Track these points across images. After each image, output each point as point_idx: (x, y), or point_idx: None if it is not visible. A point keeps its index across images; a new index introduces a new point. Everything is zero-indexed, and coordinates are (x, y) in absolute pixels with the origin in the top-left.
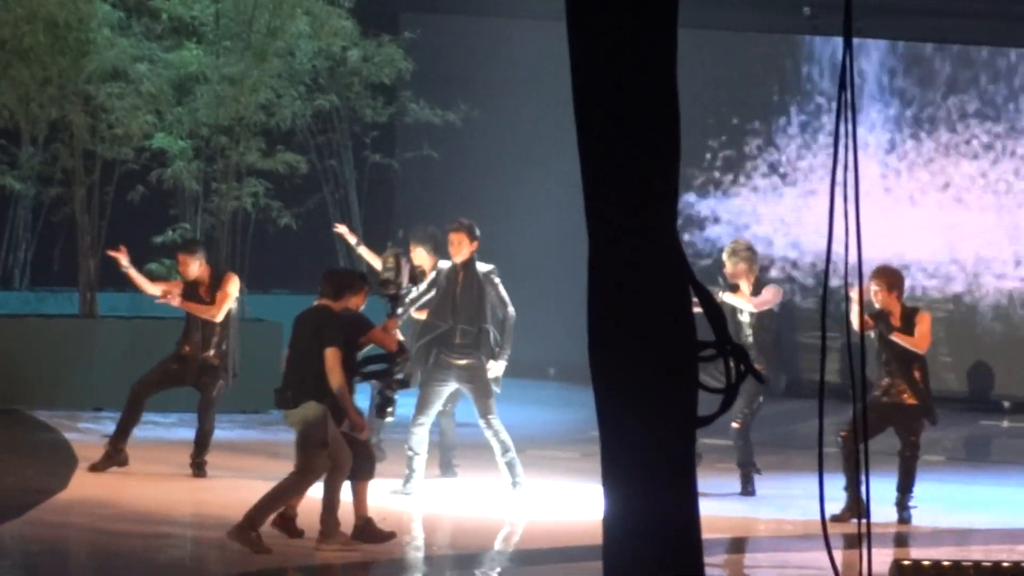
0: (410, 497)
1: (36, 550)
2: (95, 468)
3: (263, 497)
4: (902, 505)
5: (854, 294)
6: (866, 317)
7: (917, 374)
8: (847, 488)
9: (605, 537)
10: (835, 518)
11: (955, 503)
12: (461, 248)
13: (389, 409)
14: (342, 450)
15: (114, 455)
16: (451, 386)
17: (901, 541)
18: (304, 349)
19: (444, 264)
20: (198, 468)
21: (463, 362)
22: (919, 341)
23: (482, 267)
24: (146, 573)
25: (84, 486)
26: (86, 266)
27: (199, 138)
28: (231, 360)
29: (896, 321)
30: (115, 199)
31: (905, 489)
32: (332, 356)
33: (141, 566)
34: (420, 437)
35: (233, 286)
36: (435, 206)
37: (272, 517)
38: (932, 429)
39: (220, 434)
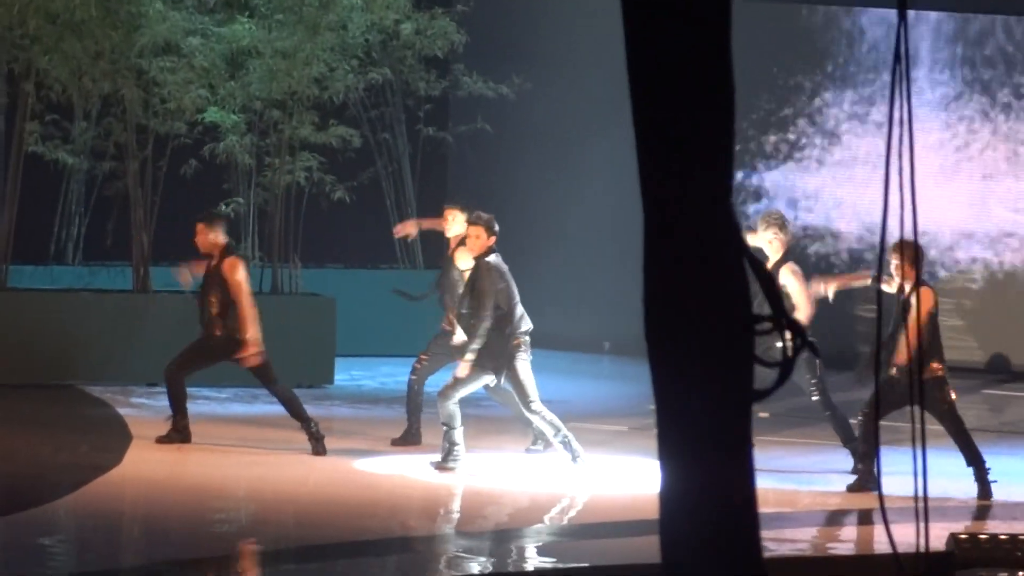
0: (453, 471)
1: (91, 525)
2: (160, 440)
3: None
4: (979, 479)
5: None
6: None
7: (926, 345)
8: (861, 461)
9: (662, 512)
10: (849, 488)
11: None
12: (478, 242)
13: None
14: None
15: (180, 431)
16: (488, 374)
17: (956, 515)
18: None
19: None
20: (316, 440)
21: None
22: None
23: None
24: (200, 549)
25: (138, 462)
26: (139, 240)
27: (252, 112)
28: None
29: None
30: (168, 173)
31: (972, 462)
32: None
33: (195, 542)
34: (454, 410)
35: (241, 273)
36: (489, 179)
37: None
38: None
39: (274, 408)
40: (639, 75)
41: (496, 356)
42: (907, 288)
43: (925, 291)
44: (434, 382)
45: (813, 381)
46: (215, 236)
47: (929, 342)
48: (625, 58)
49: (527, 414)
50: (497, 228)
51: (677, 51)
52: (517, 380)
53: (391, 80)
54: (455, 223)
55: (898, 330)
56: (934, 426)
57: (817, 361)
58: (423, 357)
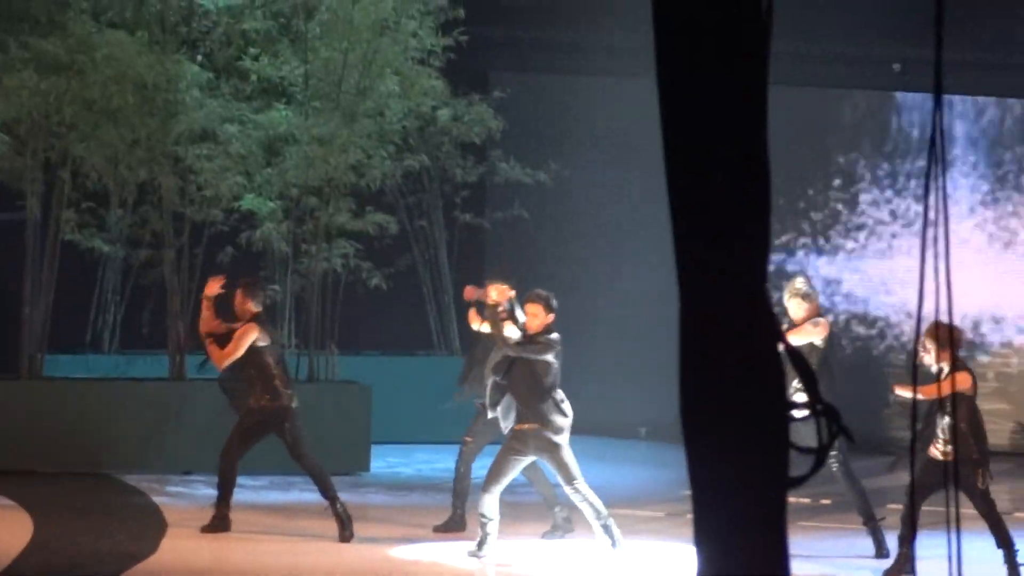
0: (483, 559)
1: None
2: (204, 529)
3: None
4: (1009, 563)
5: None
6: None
7: (964, 427)
8: (900, 545)
9: None
10: (886, 574)
11: None
12: (536, 319)
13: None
14: None
15: (222, 519)
16: (529, 456)
17: None
18: None
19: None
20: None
21: (535, 430)
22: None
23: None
24: None
25: (175, 550)
26: (175, 328)
27: (288, 199)
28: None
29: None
30: (204, 260)
31: (1003, 545)
32: None
33: None
34: (493, 503)
35: (250, 334)
36: (525, 265)
37: None
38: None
39: (310, 497)
40: (674, 161)
41: (539, 436)
42: (945, 370)
43: (962, 374)
44: (480, 466)
45: (834, 453)
46: (250, 305)
47: (968, 424)
48: (661, 143)
49: (571, 493)
50: (555, 305)
51: (712, 137)
52: (560, 460)
53: (428, 167)
54: (496, 294)
55: (933, 413)
56: (969, 510)
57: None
58: (467, 440)
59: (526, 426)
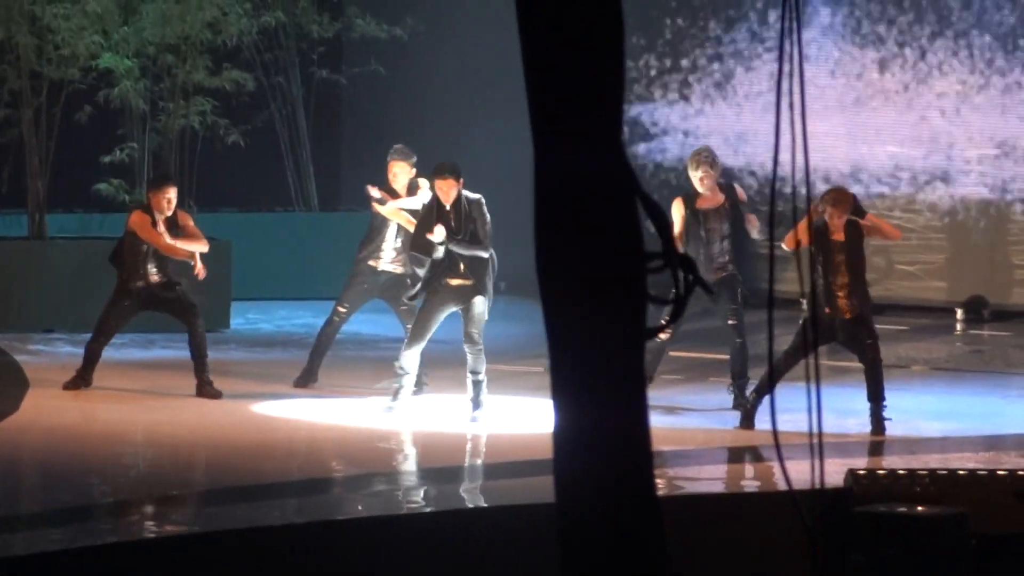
0: (393, 413)
1: None
2: (66, 386)
3: None
4: (875, 416)
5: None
6: (795, 236)
7: (852, 283)
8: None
9: (555, 451)
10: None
11: (933, 413)
12: (451, 192)
13: None
14: None
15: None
16: (449, 309)
17: (857, 451)
18: None
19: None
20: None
21: (457, 283)
22: (888, 230)
23: (470, 196)
24: (98, 495)
25: (36, 408)
26: (35, 187)
27: (146, 57)
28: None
29: (839, 235)
30: (63, 119)
31: (876, 398)
32: None
33: (93, 488)
34: (414, 358)
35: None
36: (383, 121)
37: None
38: (916, 339)
39: (170, 353)
40: (527, 10)
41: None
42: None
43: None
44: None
45: (733, 307)
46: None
47: (851, 275)
48: None
49: (470, 346)
50: (460, 171)
51: None
52: (476, 313)
53: (284, 23)
54: (401, 174)
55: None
56: (833, 361)
57: (739, 289)
58: (341, 309)
59: (457, 281)
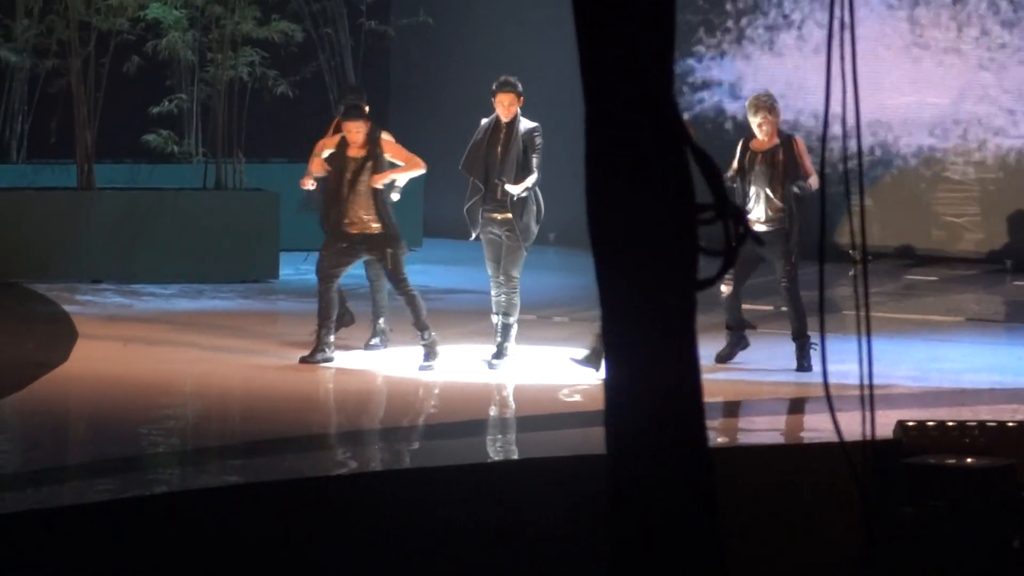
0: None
1: (38, 423)
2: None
3: None
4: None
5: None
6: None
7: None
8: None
9: (607, 401)
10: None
11: (983, 366)
12: (512, 108)
13: None
14: None
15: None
16: (497, 243)
17: (907, 403)
18: None
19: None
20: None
21: (500, 216)
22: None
23: (526, 124)
24: (148, 445)
25: (85, 359)
26: (83, 138)
27: (194, 8)
28: None
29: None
30: (111, 70)
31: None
32: None
33: (142, 439)
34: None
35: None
36: (431, 72)
37: None
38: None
39: (220, 304)
40: None
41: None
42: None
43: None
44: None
45: (787, 267)
46: None
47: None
48: None
49: (505, 285)
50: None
51: None
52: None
53: None
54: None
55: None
56: (878, 314)
57: (793, 246)
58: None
59: (499, 215)
